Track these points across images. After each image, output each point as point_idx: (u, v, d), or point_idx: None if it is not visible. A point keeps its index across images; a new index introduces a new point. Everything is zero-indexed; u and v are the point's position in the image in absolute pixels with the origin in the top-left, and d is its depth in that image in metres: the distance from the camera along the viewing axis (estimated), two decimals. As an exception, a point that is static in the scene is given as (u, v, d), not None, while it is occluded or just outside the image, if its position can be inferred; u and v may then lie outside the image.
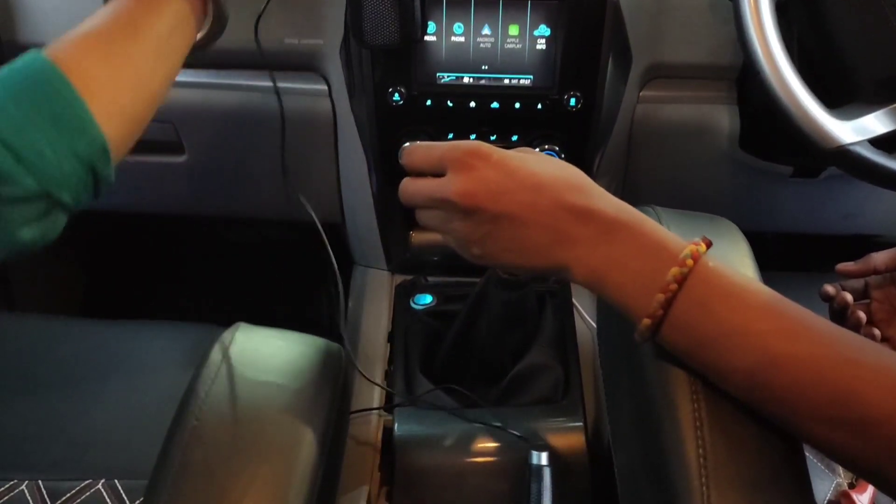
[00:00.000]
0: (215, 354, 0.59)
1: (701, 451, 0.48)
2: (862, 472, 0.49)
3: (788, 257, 1.46)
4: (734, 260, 0.60)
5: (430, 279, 1.11)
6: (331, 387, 0.60)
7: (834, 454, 0.48)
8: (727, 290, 0.50)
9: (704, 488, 0.47)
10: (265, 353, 0.61)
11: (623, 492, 0.59)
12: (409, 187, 0.60)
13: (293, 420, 0.55)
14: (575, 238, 0.54)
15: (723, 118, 1.01)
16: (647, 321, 0.50)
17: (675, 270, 0.50)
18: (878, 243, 1.25)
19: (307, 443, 0.54)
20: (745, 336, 0.48)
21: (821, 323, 0.49)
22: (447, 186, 0.56)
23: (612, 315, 0.56)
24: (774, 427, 0.50)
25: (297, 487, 0.51)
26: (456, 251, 0.59)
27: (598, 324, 0.63)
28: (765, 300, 0.50)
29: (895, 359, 0.47)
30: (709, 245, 0.52)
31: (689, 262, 0.50)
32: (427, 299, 1.06)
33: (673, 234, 0.53)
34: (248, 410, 0.55)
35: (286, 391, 0.57)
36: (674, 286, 0.50)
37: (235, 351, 0.59)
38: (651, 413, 0.52)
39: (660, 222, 0.62)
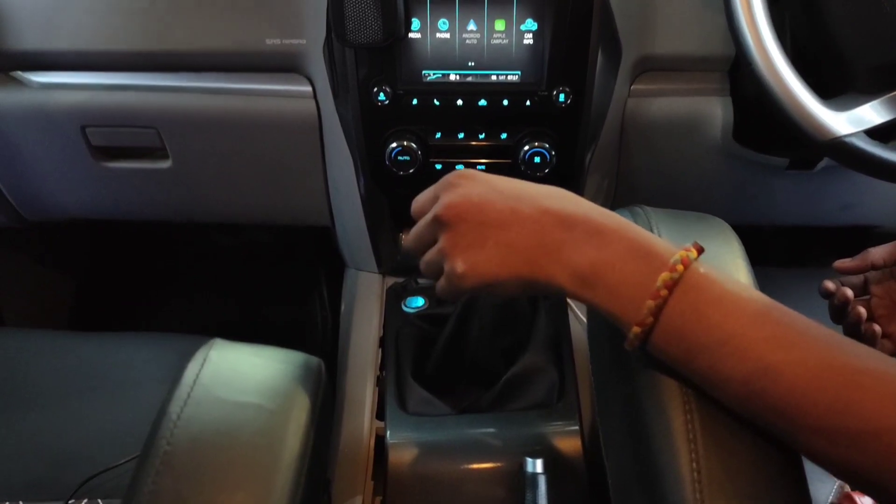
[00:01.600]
0: (189, 374, 0.57)
1: (695, 464, 0.47)
2: (862, 485, 0.47)
3: (787, 250, 1.45)
4: (726, 261, 0.58)
5: (422, 281, 1.10)
6: (308, 404, 0.58)
7: (831, 466, 0.46)
8: (719, 296, 0.48)
9: (699, 503, 0.45)
10: (241, 371, 0.59)
11: (616, 501, 0.57)
12: (411, 232, 0.62)
13: (269, 442, 0.53)
14: (560, 243, 0.52)
15: (716, 110, 0.99)
16: (637, 329, 0.49)
17: (665, 276, 0.48)
18: (877, 233, 1.24)
19: (285, 465, 0.52)
20: (739, 344, 0.47)
21: (817, 329, 0.47)
22: (436, 207, 0.57)
23: (601, 322, 0.54)
24: (770, 438, 0.48)
25: (274, 513, 0.50)
26: (443, 295, 0.59)
27: (588, 330, 0.61)
28: (759, 307, 0.48)
29: (894, 366, 0.45)
30: (700, 251, 0.50)
31: (680, 267, 0.48)
32: (419, 302, 1.05)
33: (662, 239, 0.52)
34: (222, 433, 0.53)
35: (262, 411, 0.55)
36: (664, 292, 0.48)
37: (210, 370, 0.58)
38: (643, 424, 0.50)
39: (649, 222, 0.61)
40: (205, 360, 0.59)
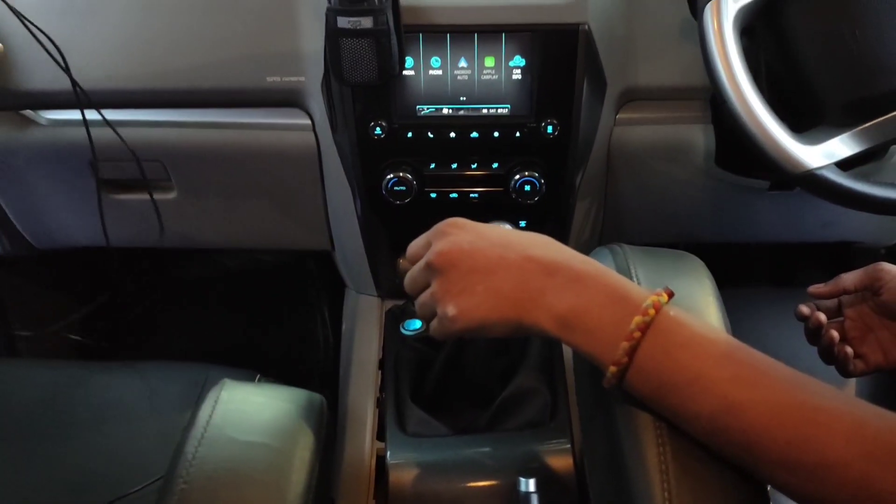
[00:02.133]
0: (202, 416, 0.61)
1: (666, 493, 0.51)
2: None
3: (771, 266, 1.48)
4: (697, 298, 0.62)
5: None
6: (312, 441, 0.62)
7: (794, 496, 0.50)
8: (687, 338, 0.52)
9: (671, 529, 0.49)
10: (249, 411, 0.63)
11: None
12: (406, 276, 0.65)
13: (276, 479, 0.57)
14: (542, 288, 0.56)
15: (698, 137, 1.03)
16: (613, 368, 0.53)
17: (638, 319, 0.52)
18: (857, 249, 1.28)
19: (290, 500, 0.56)
20: (704, 383, 0.51)
21: (778, 369, 0.51)
22: (428, 254, 0.61)
23: (583, 359, 0.58)
24: (738, 469, 0.52)
25: (283, 545, 0.54)
26: (436, 335, 0.63)
27: (574, 362, 0.66)
28: (723, 348, 0.52)
29: (850, 405, 0.49)
30: (670, 295, 0.54)
31: (651, 311, 0.52)
32: (416, 324, 1.08)
33: (637, 284, 0.56)
34: (233, 471, 0.57)
35: (269, 450, 0.59)
36: (637, 334, 0.52)
37: (220, 411, 0.62)
38: (620, 455, 0.54)
39: (626, 261, 0.65)
40: (216, 401, 0.63)
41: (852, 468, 0.46)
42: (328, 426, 0.67)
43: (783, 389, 0.50)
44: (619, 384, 0.54)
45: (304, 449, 0.61)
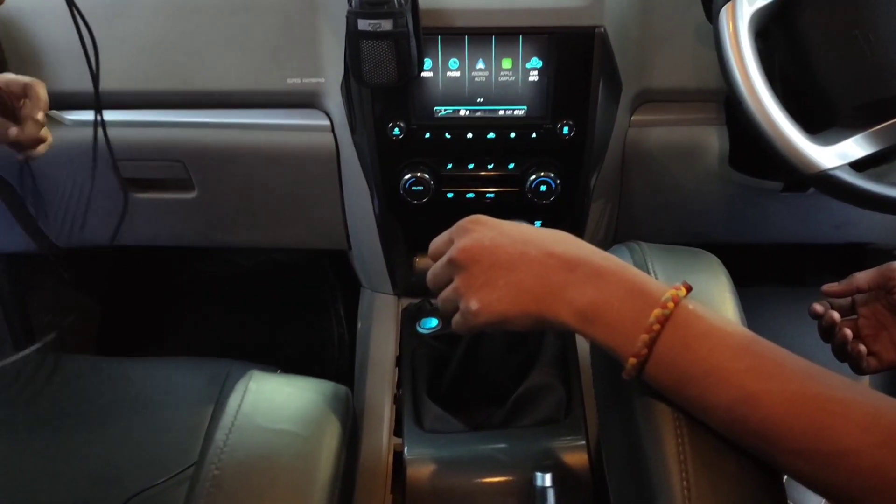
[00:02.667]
0: (232, 404, 0.63)
1: (685, 482, 0.52)
2: (836, 500, 0.52)
3: (784, 267, 1.49)
4: (714, 294, 0.63)
5: (435, 302, 1.14)
6: (339, 430, 0.64)
7: (810, 484, 0.51)
8: (706, 331, 0.54)
9: (689, 518, 0.51)
10: (277, 401, 0.65)
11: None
12: (429, 273, 0.66)
13: (306, 465, 0.59)
14: (563, 283, 0.57)
15: (712, 139, 1.04)
16: (633, 360, 0.54)
17: (657, 312, 0.53)
18: (870, 250, 1.29)
19: (320, 486, 0.58)
20: (722, 374, 0.52)
21: (794, 361, 0.53)
22: (451, 250, 0.62)
23: (602, 353, 0.59)
24: (754, 459, 0.53)
25: (312, 529, 0.56)
26: (459, 330, 0.64)
27: (591, 361, 0.67)
28: (741, 340, 0.53)
29: (865, 395, 0.50)
30: (689, 290, 0.55)
31: (671, 304, 0.54)
32: (433, 323, 1.10)
33: (655, 279, 0.57)
34: (264, 458, 0.59)
35: (298, 438, 0.61)
36: (657, 327, 0.53)
37: (250, 400, 0.63)
38: (639, 447, 0.56)
39: (644, 258, 0.66)
40: (245, 391, 0.65)
41: (867, 456, 0.47)
42: (354, 419, 0.69)
43: (799, 380, 0.51)
44: (639, 376, 0.55)
45: (331, 437, 0.63)
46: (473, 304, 0.60)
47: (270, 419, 0.62)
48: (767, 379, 0.51)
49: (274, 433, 0.60)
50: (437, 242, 0.67)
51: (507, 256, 0.59)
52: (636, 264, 0.65)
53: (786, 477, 0.54)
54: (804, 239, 1.26)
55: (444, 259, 0.63)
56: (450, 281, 0.63)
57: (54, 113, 1.05)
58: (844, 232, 1.21)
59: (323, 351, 1.51)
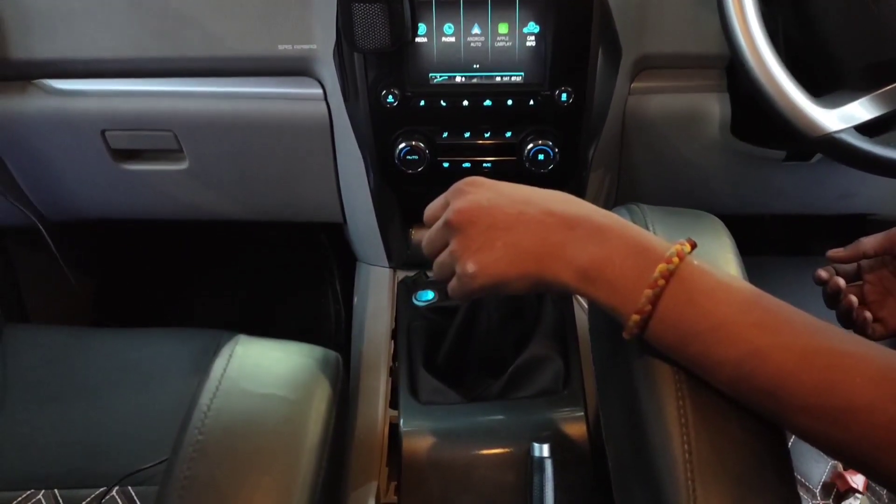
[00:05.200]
0: (217, 368, 0.61)
1: (686, 446, 0.50)
2: (846, 459, 0.51)
3: (786, 238, 1.47)
4: (717, 255, 0.62)
5: (431, 275, 1.13)
6: (328, 394, 0.62)
7: (818, 443, 0.50)
8: (712, 285, 0.52)
9: (690, 482, 0.49)
10: (264, 365, 0.63)
11: (616, 484, 0.61)
12: (424, 237, 0.64)
13: (293, 430, 0.57)
14: (563, 242, 0.55)
15: (714, 106, 1.02)
16: (636, 317, 0.52)
17: (662, 267, 0.52)
18: (875, 221, 1.27)
19: (307, 451, 0.56)
20: (730, 329, 0.50)
21: (802, 316, 0.51)
22: (447, 213, 0.60)
23: (601, 316, 0.58)
24: (758, 421, 0.51)
25: (299, 495, 0.54)
26: (455, 295, 0.62)
27: (589, 324, 0.65)
28: (748, 295, 0.52)
29: (876, 349, 0.49)
30: (693, 246, 0.54)
31: (675, 259, 0.52)
32: (429, 295, 1.08)
33: (657, 236, 0.55)
34: (249, 423, 0.57)
35: (285, 402, 0.59)
36: (661, 282, 0.52)
37: (236, 364, 0.62)
38: (639, 411, 0.54)
39: (645, 219, 0.64)
40: (231, 354, 0.63)
41: (880, 412, 0.46)
42: (343, 385, 0.67)
43: (809, 334, 0.49)
44: (640, 335, 0.53)
45: (320, 401, 0.61)
46: (470, 267, 0.58)
47: (257, 383, 0.60)
48: (776, 333, 0.49)
49: (260, 397, 0.59)
50: (432, 206, 0.64)
51: (505, 217, 0.57)
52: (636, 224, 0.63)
53: (790, 446, 0.52)
54: (808, 209, 1.24)
55: (439, 222, 0.61)
56: (445, 245, 0.61)
57: (41, 82, 1.03)
58: (849, 202, 1.19)
59: (320, 327, 1.50)
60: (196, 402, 0.57)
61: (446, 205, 0.62)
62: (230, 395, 0.58)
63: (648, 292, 0.51)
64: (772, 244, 1.45)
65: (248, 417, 0.57)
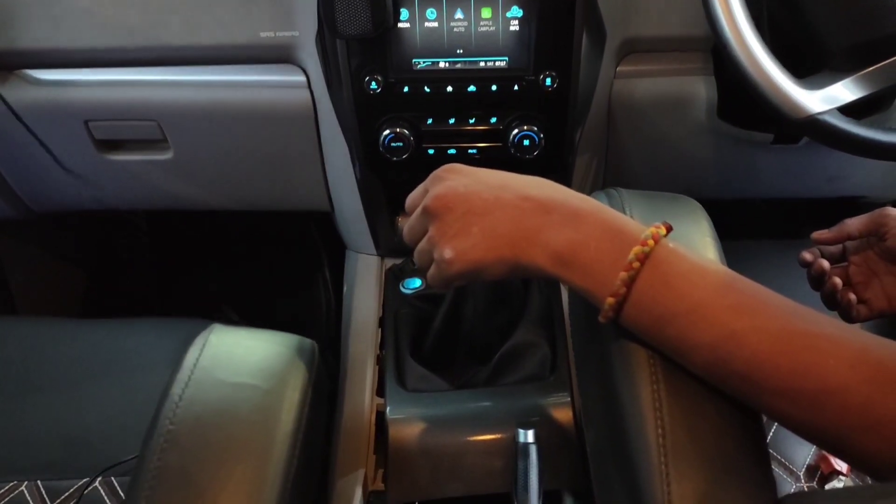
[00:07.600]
0: (190, 358, 0.61)
1: (660, 430, 0.50)
2: (821, 442, 0.50)
3: (776, 222, 1.47)
4: (695, 238, 0.61)
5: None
6: (302, 383, 0.62)
7: (794, 426, 0.49)
8: (687, 268, 0.52)
9: (664, 466, 0.49)
10: (238, 354, 0.63)
11: (594, 468, 0.61)
12: (405, 226, 0.64)
13: (265, 419, 0.57)
14: (539, 226, 0.55)
15: (700, 89, 1.02)
16: (610, 300, 0.52)
17: (637, 249, 0.51)
18: (864, 204, 1.26)
19: (280, 440, 0.56)
20: (705, 312, 0.50)
21: (778, 299, 0.51)
22: (425, 199, 0.60)
23: (579, 301, 0.57)
24: (733, 405, 0.51)
25: (271, 484, 0.54)
26: (434, 283, 0.62)
27: (569, 307, 0.65)
28: (723, 278, 0.51)
29: (851, 332, 0.48)
30: (669, 229, 0.53)
31: (651, 242, 0.52)
32: (416, 283, 1.08)
33: (634, 220, 0.55)
34: (221, 412, 0.57)
35: (257, 391, 0.59)
36: (636, 264, 0.51)
37: (209, 353, 0.61)
38: (614, 395, 0.54)
39: (622, 203, 0.64)
40: (204, 344, 0.63)
41: (855, 394, 0.46)
42: (319, 373, 0.66)
43: (785, 317, 0.49)
44: (616, 318, 0.53)
45: (293, 390, 0.61)
46: (447, 253, 0.58)
47: (230, 372, 0.60)
48: (752, 316, 0.49)
49: (233, 386, 0.58)
50: (413, 195, 0.64)
51: (482, 202, 0.57)
52: (614, 209, 0.63)
53: (772, 433, 0.52)
54: (796, 193, 1.23)
55: (418, 210, 0.61)
56: (425, 232, 0.61)
57: (24, 72, 1.03)
58: (837, 185, 1.19)
59: (311, 317, 1.50)
60: (168, 392, 0.57)
61: (426, 192, 0.62)
62: (202, 384, 0.58)
63: (623, 275, 0.51)
64: (763, 228, 1.45)
65: (220, 407, 0.57)
